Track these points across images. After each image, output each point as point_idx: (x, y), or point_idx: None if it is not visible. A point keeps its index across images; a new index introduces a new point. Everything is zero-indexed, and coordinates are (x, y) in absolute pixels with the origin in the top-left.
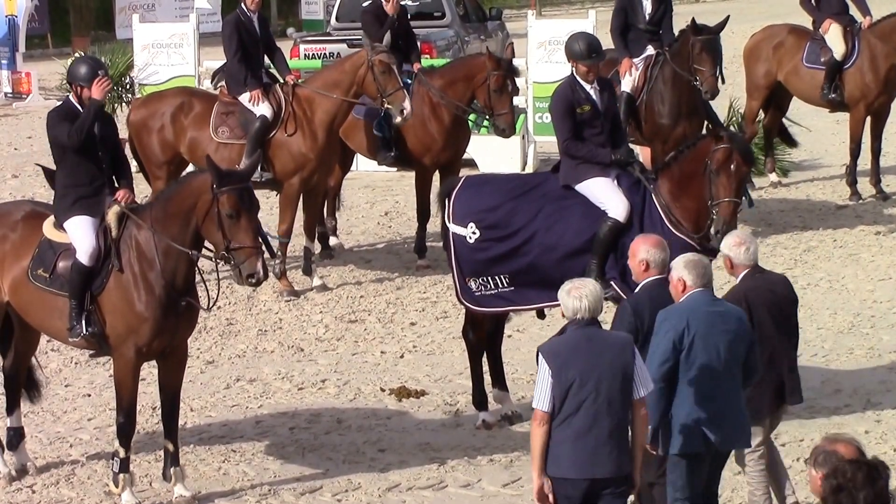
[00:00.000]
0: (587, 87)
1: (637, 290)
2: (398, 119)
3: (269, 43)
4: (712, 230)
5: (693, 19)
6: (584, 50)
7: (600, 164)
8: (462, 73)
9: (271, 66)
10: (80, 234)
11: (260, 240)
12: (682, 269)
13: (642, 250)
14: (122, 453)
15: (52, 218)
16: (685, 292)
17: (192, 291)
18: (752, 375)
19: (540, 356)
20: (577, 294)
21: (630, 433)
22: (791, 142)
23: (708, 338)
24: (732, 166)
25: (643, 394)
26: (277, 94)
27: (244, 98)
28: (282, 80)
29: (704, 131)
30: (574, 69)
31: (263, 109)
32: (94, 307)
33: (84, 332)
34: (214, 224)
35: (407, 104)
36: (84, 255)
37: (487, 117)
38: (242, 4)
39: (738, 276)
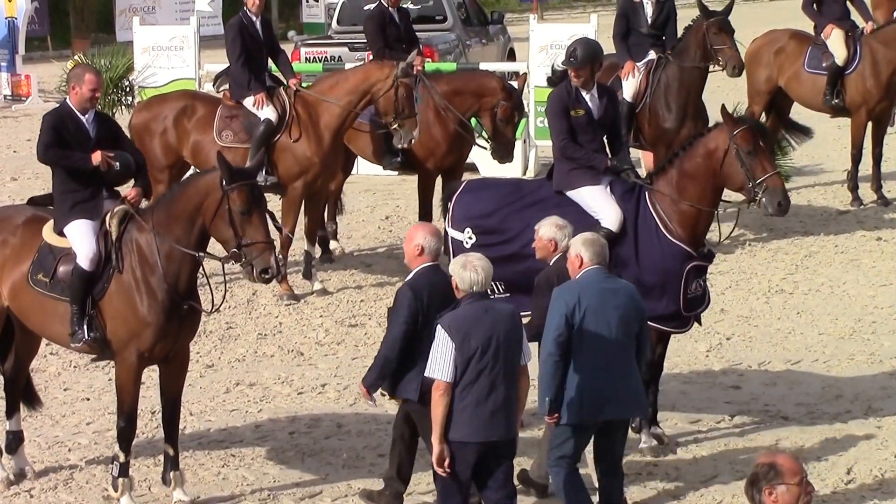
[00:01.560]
0: (584, 92)
1: (412, 275)
2: (404, 144)
3: (272, 46)
4: (771, 206)
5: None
6: (567, 54)
7: (595, 169)
8: (472, 88)
9: (275, 68)
10: (79, 239)
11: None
12: (580, 247)
13: (419, 236)
14: (121, 457)
15: (52, 222)
16: (581, 268)
17: (194, 295)
18: (642, 350)
19: (441, 329)
20: (471, 267)
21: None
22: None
23: (599, 312)
24: (761, 142)
25: (526, 361)
26: (281, 98)
27: (248, 102)
28: (285, 83)
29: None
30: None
31: (268, 113)
32: (96, 312)
33: (86, 337)
34: (225, 222)
35: (416, 133)
36: (85, 259)
37: (487, 139)
38: (245, 8)
39: (552, 258)
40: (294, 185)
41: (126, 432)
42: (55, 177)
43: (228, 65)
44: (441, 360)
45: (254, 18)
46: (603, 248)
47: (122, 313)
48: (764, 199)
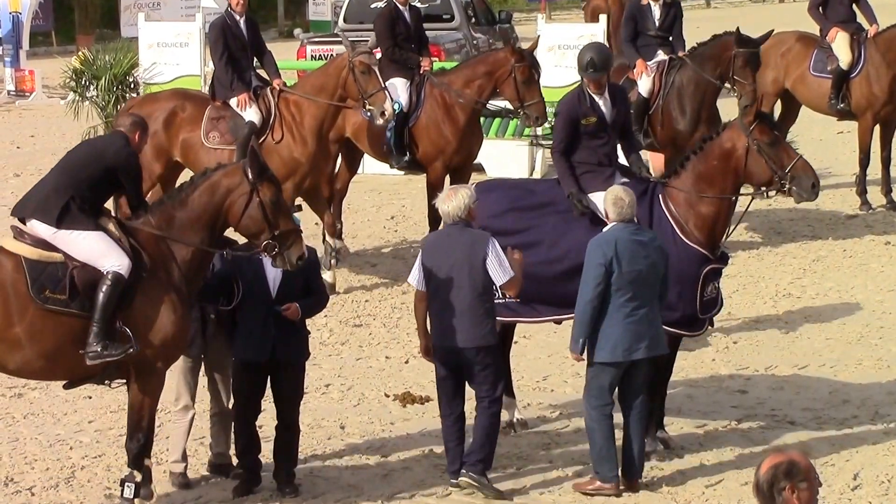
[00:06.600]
0: (597, 97)
1: None
2: (379, 121)
3: (258, 45)
4: (804, 191)
5: (738, 29)
6: (584, 63)
7: (600, 174)
8: (483, 70)
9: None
10: (105, 248)
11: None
12: (608, 205)
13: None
14: (138, 476)
15: (19, 241)
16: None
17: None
18: (664, 294)
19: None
20: (442, 200)
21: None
22: None
23: (633, 262)
24: (776, 132)
25: (502, 281)
26: (267, 99)
27: (233, 103)
28: (271, 84)
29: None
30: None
31: (251, 115)
32: (126, 326)
33: (115, 352)
34: (258, 215)
35: (388, 105)
36: (122, 267)
37: (517, 110)
38: (229, 7)
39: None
40: (283, 186)
41: (147, 449)
42: (86, 184)
43: None
44: (416, 272)
45: (238, 18)
46: (628, 206)
47: (153, 322)
48: (794, 187)
